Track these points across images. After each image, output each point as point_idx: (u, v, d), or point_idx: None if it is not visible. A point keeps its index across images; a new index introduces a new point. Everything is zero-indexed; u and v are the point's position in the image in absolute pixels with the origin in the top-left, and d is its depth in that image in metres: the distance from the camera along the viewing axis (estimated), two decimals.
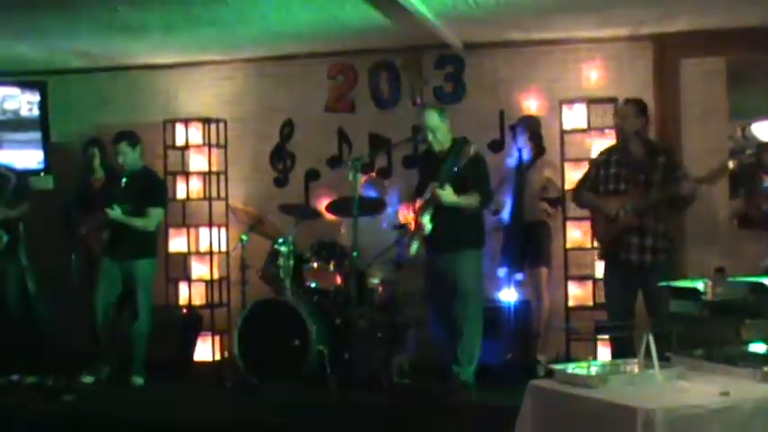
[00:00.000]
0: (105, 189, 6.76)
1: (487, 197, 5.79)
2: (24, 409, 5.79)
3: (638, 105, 5.59)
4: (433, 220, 5.64)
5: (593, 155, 6.68)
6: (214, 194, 7.65)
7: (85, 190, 7.01)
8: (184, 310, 7.43)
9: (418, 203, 5.79)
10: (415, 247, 5.74)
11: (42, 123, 7.76)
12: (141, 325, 6.44)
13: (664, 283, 4.09)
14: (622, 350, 4.92)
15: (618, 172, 5.43)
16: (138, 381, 6.42)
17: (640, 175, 5.37)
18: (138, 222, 6.33)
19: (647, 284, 5.22)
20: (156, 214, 6.46)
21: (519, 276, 6.47)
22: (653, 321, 4.49)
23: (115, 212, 6.20)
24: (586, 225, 6.65)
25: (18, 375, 6.43)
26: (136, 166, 6.50)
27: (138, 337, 6.44)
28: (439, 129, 5.80)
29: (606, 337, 6.10)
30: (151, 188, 6.52)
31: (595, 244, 6.55)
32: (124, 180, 6.44)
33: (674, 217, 5.48)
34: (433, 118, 5.82)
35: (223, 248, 7.63)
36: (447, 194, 5.52)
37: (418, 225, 5.71)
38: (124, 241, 6.35)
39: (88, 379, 6.33)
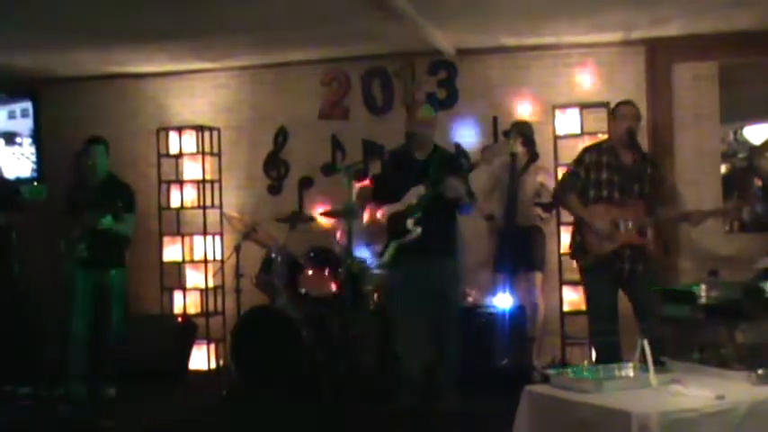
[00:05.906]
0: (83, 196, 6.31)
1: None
2: (19, 421, 5.77)
3: (636, 107, 5.41)
4: (418, 223, 5.40)
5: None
6: (208, 203, 7.64)
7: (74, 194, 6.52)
8: (179, 319, 7.42)
9: (395, 208, 5.49)
10: (389, 253, 5.46)
11: (35, 133, 7.74)
12: (118, 334, 6.25)
13: (656, 288, 4.10)
14: (608, 355, 4.83)
15: (610, 178, 5.16)
16: (112, 392, 6.26)
17: (634, 185, 5.15)
18: (126, 230, 6.22)
19: (634, 289, 5.11)
20: (132, 220, 6.28)
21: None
22: (646, 325, 4.47)
23: (107, 221, 6.02)
24: None
25: (11, 386, 6.40)
26: (104, 172, 6.30)
27: (115, 345, 6.25)
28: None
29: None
30: (125, 194, 6.26)
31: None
32: (93, 187, 6.21)
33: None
34: (432, 113, 5.70)
35: (218, 257, 7.63)
36: (459, 184, 5.30)
37: (396, 229, 5.46)
38: (102, 251, 6.14)
39: (81, 390, 6.28)
